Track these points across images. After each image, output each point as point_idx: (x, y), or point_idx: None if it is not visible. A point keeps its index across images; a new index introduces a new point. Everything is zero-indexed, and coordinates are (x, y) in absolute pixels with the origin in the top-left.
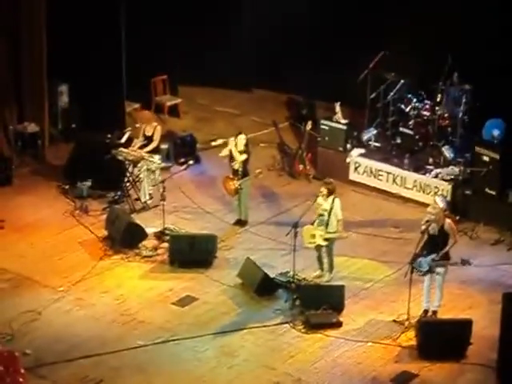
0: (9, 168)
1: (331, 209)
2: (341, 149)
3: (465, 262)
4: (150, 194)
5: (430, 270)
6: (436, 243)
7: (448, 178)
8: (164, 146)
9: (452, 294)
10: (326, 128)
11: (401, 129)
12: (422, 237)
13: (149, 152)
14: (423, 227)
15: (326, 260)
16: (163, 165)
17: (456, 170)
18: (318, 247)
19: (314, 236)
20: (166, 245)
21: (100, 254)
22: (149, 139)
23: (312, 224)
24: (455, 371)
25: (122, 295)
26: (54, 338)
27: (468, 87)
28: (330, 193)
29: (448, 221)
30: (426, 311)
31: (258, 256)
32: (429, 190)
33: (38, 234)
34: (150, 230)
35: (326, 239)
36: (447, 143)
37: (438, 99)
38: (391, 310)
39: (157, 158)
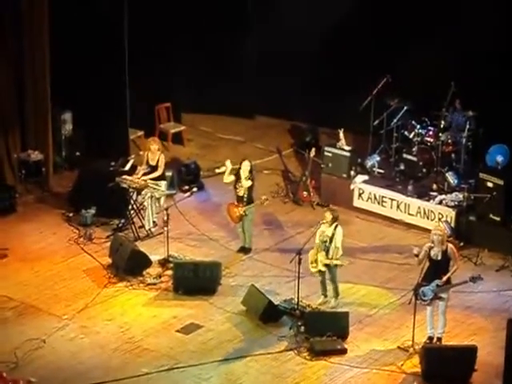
0: (13, 196)
1: (333, 235)
2: (344, 175)
3: (475, 279)
4: (154, 222)
5: (435, 297)
6: (438, 268)
7: (452, 204)
8: (168, 174)
9: (456, 321)
10: (330, 155)
11: (404, 155)
12: (421, 263)
13: (154, 179)
14: (421, 254)
15: (330, 287)
16: (167, 192)
17: (460, 196)
18: (321, 273)
19: (315, 260)
20: (170, 272)
21: (104, 282)
22: (153, 168)
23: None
24: None
25: (126, 323)
26: (58, 365)
27: (471, 113)
28: (334, 220)
29: (450, 245)
30: (430, 338)
31: (262, 283)
32: (433, 216)
33: (42, 262)
34: (154, 258)
35: (325, 265)
36: (451, 169)
37: (442, 125)
38: (396, 337)
39: (163, 184)
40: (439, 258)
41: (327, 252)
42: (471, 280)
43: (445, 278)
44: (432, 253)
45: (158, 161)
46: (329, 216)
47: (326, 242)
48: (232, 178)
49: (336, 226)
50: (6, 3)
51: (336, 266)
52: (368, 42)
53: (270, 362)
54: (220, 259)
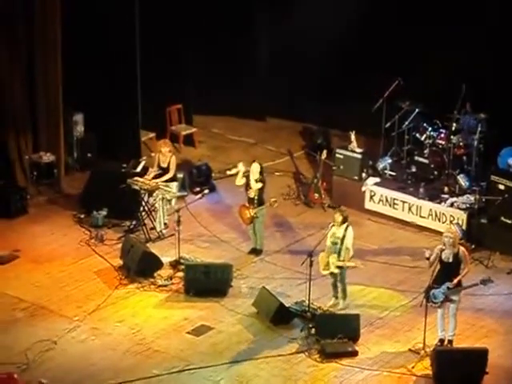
0: (24, 197)
1: (344, 236)
2: (356, 178)
3: (485, 282)
4: (165, 224)
5: (446, 299)
6: (449, 270)
7: (463, 206)
8: (179, 176)
9: (467, 323)
10: (341, 157)
11: (416, 158)
12: (432, 266)
13: (165, 181)
14: (432, 257)
15: (339, 288)
16: (178, 194)
17: (471, 198)
18: (333, 275)
19: (328, 263)
20: (181, 274)
21: (115, 284)
22: (164, 170)
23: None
24: None
25: (137, 324)
26: (69, 367)
27: (483, 116)
28: (344, 220)
29: (462, 248)
30: (441, 340)
31: (273, 285)
32: (444, 218)
33: (54, 264)
34: (165, 259)
35: (338, 267)
36: (462, 172)
37: (453, 128)
38: (407, 339)
39: (175, 186)
40: (450, 260)
41: (339, 254)
42: (482, 283)
43: (456, 281)
44: (443, 255)
45: (169, 163)
46: (338, 217)
47: (336, 243)
48: (244, 180)
49: (347, 227)
50: (17, 6)
51: (348, 267)
52: (380, 44)
53: (281, 364)
54: (231, 261)
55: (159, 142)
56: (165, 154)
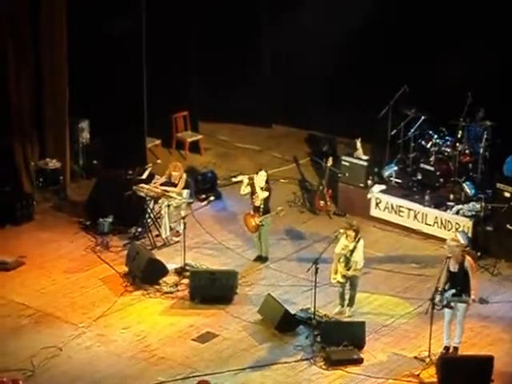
0: (30, 204)
1: (354, 248)
2: (362, 185)
3: (482, 301)
4: (171, 228)
5: (448, 305)
6: (456, 280)
7: (469, 214)
8: None
9: (473, 331)
10: (347, 164)
11: (422, 165)
12: (442, 271)
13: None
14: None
15: (348, 296)
16: (184, 201)
17: (477, 206)
18: (340, 283)
19: (336, 272)
20: (186, 281)
21: (121, 290)
22: (173, 184)
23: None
24: None
25: (142, 331)
26: (75, 374)
27: (489, 124)
28: (357, 234)
29: (468, 258)
30: (447, 348)
31: (278, 292)
32: (450, 226)
33: (59, 270)
34: (170, 266)
35: (344, 276)
36: (468, 179)
37: (459, 135)
38: (412, 347)
39: (185, 193)
40: (456, 270)
41: (347, 263)
42: (480, 302)
43: (465, 296)
44: (450, 264)
45: (179, 179)
46: (352, 233)
47: (346, 254)
48: (248, 189)
49: (358, 240)
50: (24, 13)
51: (354, 276)
52: (386, 51)
53: (286, 371)
54: (236, 268)
55: (171, 164)
56: (175, 177)
